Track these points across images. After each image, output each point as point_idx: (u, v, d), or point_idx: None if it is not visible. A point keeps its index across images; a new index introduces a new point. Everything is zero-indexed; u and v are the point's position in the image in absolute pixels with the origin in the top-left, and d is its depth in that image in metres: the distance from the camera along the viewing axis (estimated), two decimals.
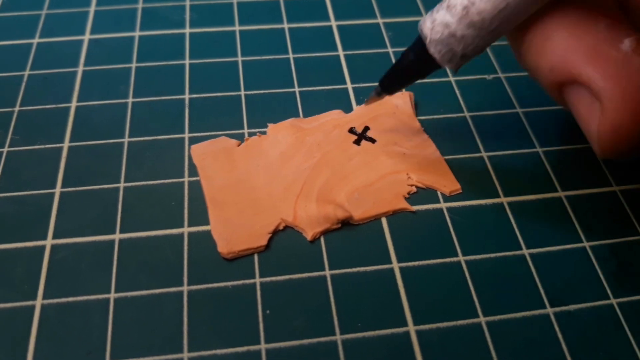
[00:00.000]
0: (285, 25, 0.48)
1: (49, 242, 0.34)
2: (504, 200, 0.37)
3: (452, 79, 0.44)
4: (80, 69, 0.44)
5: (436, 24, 0.31)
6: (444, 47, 0.32)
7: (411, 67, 0.35)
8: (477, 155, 0.39)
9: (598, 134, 0.29)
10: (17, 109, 0.41)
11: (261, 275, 0.33)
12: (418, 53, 0.33)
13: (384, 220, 0.36)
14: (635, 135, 0.28)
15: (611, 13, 0.29)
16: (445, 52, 0.32)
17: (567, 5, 0.29)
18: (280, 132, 0.40)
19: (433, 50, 0.32)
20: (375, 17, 0.49)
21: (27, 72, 0.44)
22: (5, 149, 0.39)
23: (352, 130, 0.40)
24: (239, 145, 0.39)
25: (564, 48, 0.29)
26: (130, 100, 0.42)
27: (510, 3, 0.29)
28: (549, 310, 0.33)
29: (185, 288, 0.33)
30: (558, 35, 0.29)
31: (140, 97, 0.42)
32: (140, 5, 0.49)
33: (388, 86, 0.37)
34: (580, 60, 0.28)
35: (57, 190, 0.37)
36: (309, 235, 0.35)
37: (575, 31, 0.29)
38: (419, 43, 0.33)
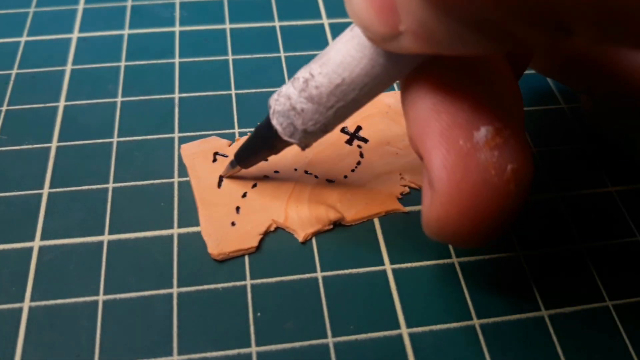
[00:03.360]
0: (277, 23, 0.48)
1: (36, 243, 0.34)
2: None
3: None
4: (68, 67, 0.44)
5: (280, 96, 0.31)
6: (285, 120, 0.31)
7: (261, 140, 0.34)
8: None
9: (424, 220, 0.28)
10: (4, 108, 0.41)
11: (252, 277, 0.33)
12: (266, 125, 0.32)
13: (376, 221, 0.36)
14: (460, 232, 0.26)
15: (485, 88, 0.27)
16: (287, 125, 0.31)
17: (441, 73, 0.27)
18: None
19: (275, 122, 0.31)
20: None
21: (14, 71, 0.43)
22: None
23: (344, 130, 0.40)
24: (230, 145, 0.39)
25: (423, 121, 0.27)
26: (119, 99, 0.42)
27: (345, 79, 0.28)
28: (544, 312, 0.32)
29: (175, 290, 0.33)
30: (422, 104, 0.27)
31: (129, 96, 0.42)
32: (129, 3, 0.49)
33: (242, 159, 0.36)
34: (429, 140, 0.26)
35: (45, 190, 0.36)
36: (300, 237, 0.35)
37: (438, 104, 0.27)
38: (268, 115, 0.32)
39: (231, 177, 0.37)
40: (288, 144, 0.32)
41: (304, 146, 0.32)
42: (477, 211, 0.26)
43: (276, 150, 0.34)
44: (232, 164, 0.36)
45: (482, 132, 0.26)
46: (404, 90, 0.28)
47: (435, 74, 0.27)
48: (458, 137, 0.26)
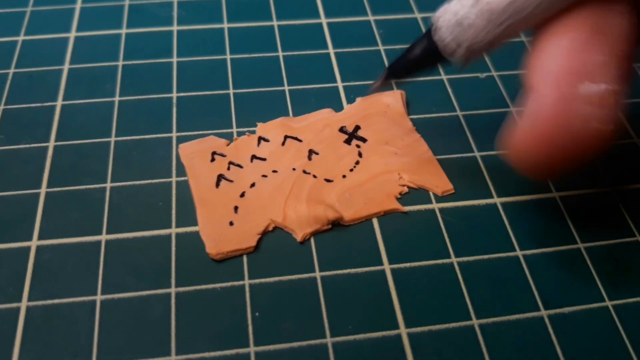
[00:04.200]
0: (275, 23, 0.48)
1: (34, 243, 0.34)
2: (497, 200, 0.37)
3: (444, 77, 0.44)
4: (66, 66, 0.44)
5: (446, 12, 0.31)
6: (449, 36, 0.31)
7: (419, 55, 0.33)
8: (470, 155, 0.39)
9: (513, 140, 0.29)
10: (1, 107, 0.41)
11: (250, 277, 0.33)
12: (426, 41, 0.32)
13: (375, 221, 0.36)
14: (529, 160, 0.28)
15: (619, 49, 0.28)
16: (450, 40, 0.31)
17: (585, 16, 0.28)
18: (269, 132, 0.39)
19: (438, 37, 0.31)
20: (366, 14, 0.49)
21: (12, 70, 0.43)
22: None
23: (342, 130, 0.40)
24: (227, 145, 0.39)
25: (548, 57, 0.28)
26: (116, 98, 0.41)
27: None
28: (543, 312, 0.32)
29: (173, 290, 0.32)
30: (557, 42, 0.28)
31: (127, 95, 0.42)
32: (126, 2, 0.49)
33: (396, 72, 0.35)
34: (548, 76, 0.28)
35: (43, 190, 0.36)
36: (298, 236, 0.35)
37: (573, 46, 0.28)
38: (428, 30, 0.32)
39: (379, 89, 0.37)
40: (446, 61, 0.32)
41: (462, 64, 0.32)
42: (564, 148, 0.27)
43: (430, 66, 0.34)
44: (385, 76, 0.36)
45: (586, 86, 0.27)
46: (541, 30, 0.29)
47: (582, 18, 0.28)
48: (571, 82, 0.27)
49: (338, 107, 0.42)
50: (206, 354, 0.30)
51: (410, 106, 0.42)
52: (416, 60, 0.34)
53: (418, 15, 0.49)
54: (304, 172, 0.37)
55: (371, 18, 0.49)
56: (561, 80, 0.27)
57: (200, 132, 0.40)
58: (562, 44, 0.28)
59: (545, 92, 0.27)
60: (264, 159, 0.38)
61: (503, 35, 0.30)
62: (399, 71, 0.35)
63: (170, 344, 0.31)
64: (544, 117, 0.27)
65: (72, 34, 0.46)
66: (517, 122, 0.29)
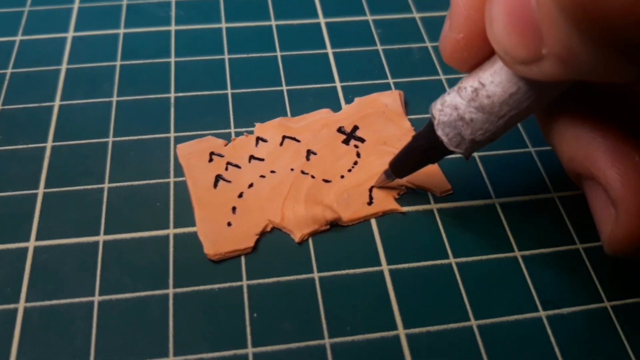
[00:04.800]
0: (273, 23, 0.48)
1: (31, 243, 0.34)
2: (495, 201, 0.37)
3: (442, 77, 0.44)
4: (63, 67, 0.43)
5: (445, 106, 0.30)
6: (451, 131, 0.30)
7: (421, 150, 0.33)
8: None
9: (610, 239, 0.28)
10: None
11: (248, 278, 0.33)
12: (427, 136, 0.32)
13: (373, 222, 0.36)
14: None
15: (634, 121, 0.29)
16: (453, 135, 0.30)
17: (594, 93, 0.29)
18: (267, 132, 0.39)
19: (441, 132, 0.31)
20: (364, 14, 0.49)
21: (9, 70, 0.43)
22: None
23: (341, 130, 0.40)
24: (225, 145, 0.39)
25: (587, 141, 0.28)
26: (114, 99, 0.41)
27: (521, 87, 0.28)
28: (542, 313, 0.32)
29: (170, 290, 0.32)
30: (582, 125, 0.28)
31: (125, 95, 0.42)
32: (124, 2, 0.49)
33: (398, 169, 0.35)
34: (601, 158, 0.28)
35: (40, 190, 0.36)
36: (297, 237, 0.35)
37: (601, 124, 0.28)
38: (429, 125, 0.32)
39: (382, 187, 0.37)
40: (451, 153, 0.32)
41: (468, 155, 0.32)
42: None
43: (434, 160, 0.34)
44: (387, 174, 0.36)
45: None
46: (552, 113, 0.30)
47: (591, 95, 0.29)
48: (632, 153, 0.27)
49: (336, 107, 0.41)
50: (204, 355, 0.30)
51: (408, 106, 0.42)
52: (421, 155, 0.34)
53: (416, 15, 0.49)
54: (302, 172, 0.37)
55: (369, 18, 0.49)
56: (625, 154, 0.27)
57: (198, 133, 0.40)
58: (588, 127, 0.28)
59: (615, 179, 0.27)
60: (262, 160, 0.38)
61: (506, 126, 0.30)
62: (403, 168, 0.35)
63: (168, 345, 0.31)
64: (633, 202, 0.27)
65: (70, 34, 0.46)
66: (605, 221, 0.29)
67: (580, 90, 0.29)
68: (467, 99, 0.29)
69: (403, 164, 0.35)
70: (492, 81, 0.29)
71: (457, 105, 0.30)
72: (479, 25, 0.28)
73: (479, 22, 0.28)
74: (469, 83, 0.29)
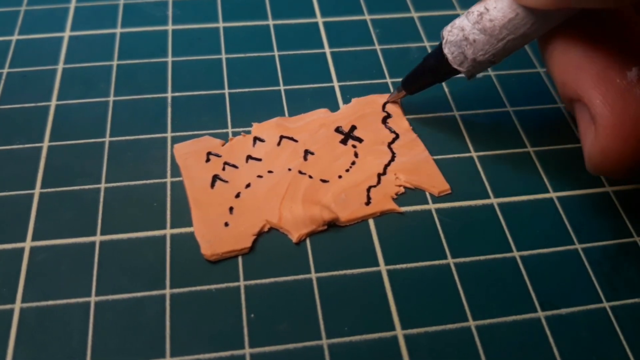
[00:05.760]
0: (270, 22, 0.48)
1: (28, 244, 0.34)
2: (494, 201, 0.37)
3: None
4: (60, 66, 0.43)
5: (454, 27, 0.35)
6: (456, 49, 0.35)
7: (429, 67, 0.38)
8: (467, 155, 0.39)
9: (588, 154, 0.31)
10: None
11: (245, 278, 0.33)
12: (436, 55, 0.36)
13: (371, 222, 0.36)
14: (623, 161, 0.30)
15: (627, 36, 0.31)
16: (457, 54, 0.35)
17: (586, 23, 0.32)
18: (265, 132, 0.39)
19: (447, 51, 0.35)
20: (362, 13, 0.49)
21: (5, 70, 0.43)
22: None
23: (338, 130, 0.40)
24: (223, 145, 0.38)
25: (576, 66, 0.31)
26: (111, 98, 0.41)
27: (519, 14, 0.32)
28: (540, 314, 0.32)
29: (167, 291, 0.32)
30: (574, 52, 0.31)
31: (122, 95, 0.42)
32: (121, 2, 0.49)
33: (408, 85, 0.39)
34: (587, 81, 0.30)
35: (37, 190, 0.36)
36: (294, 237, 0.35)
37: (589, 51, 0.31)
38: (439, 46, 0.36)
39: (394, 101, 0.41)
40: (455, 72, 0.36)
41: (469, 75, 0.36)
42: (638, 138, 0.29)
43: (442, 78, 0.39)
44: (398, 89, 0.40)
45: (633, 72, 0.30)
46: (549, 41, 0.33)
47: (583, 25, 0.32)
48: (614, 77, 0.30)
49: (334, 107, 0.41)
50: (201, 356, 0.30)
51: (406, 106, 0.42)
52: (429, 71, 0.38)
53: (415, 15, 0.49)
54: (300, 172, 0.37)
55: (367, 17, 0.49)
56: (609, 77, 0.30)
57: (196, 132, 0.39)
58: (578, 54, 0.31)
59: (597, 98, 0.30)
60: (260, 160, 0.38)
61: (505, 50, 0.34)
62: (413, 82, 0.39)
63: (165, 346, 0.30)
64: (610, 118, 0.30)
65: (67, 34, 0.46)
66: (587, 137, 0.31)
67: (573, 18, 0.32)
68: (473, 21, 0.34)
69: (413, 80, 0.39)
70: (495, 7, 0.33)
71: (463, 26, 0.34)
72: None
73: None
74: (476, 8, 0.34)
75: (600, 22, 0.32)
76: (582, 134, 0.31)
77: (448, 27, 0.35)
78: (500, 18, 0.32)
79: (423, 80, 0.39)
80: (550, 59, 0.33)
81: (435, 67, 0.37)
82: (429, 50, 0.45)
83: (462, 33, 0.34)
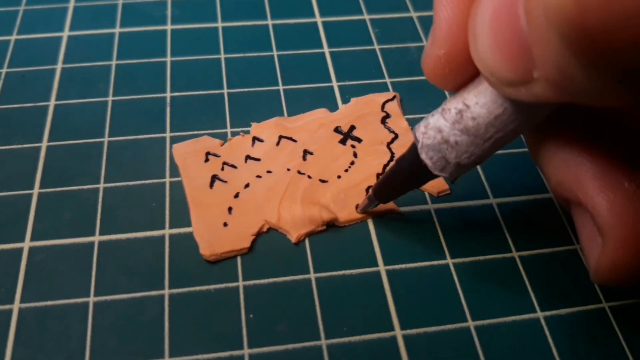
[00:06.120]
0: (269, 22, 0.48)
1: (26, 244, 0.34)
2: (493, 201, 0.37)
3: None
4: (59, 66, 0.43)
5: (429, 129, 0.29)
6: (436, 154, 0.29)
7: (404, 175, 0.32)
8: None
9: (596, 267, 0.27)
10: None
11: (244, 278, 0.33)
12: (411, 159, 0.31)
13: (370, 222, 0.36)
14: (634, 274, 0.26)
15: (630, 128, 0.27)
16: (438, 159, 0.29)
17: (583, 113, 0.28)
18: (264, 132, 0.39)
19: (424, 156, 0.29)
20: (361, 13, 0.49)
21: (4, 70, 0.43)
22: None
23: (337, 130, 0.40)
24: (222, 145, 0.38)
25: (574, 164, 0.27)
26: (110, 98, 0.41)
27: (507, 109, 0.26)
28: (539, 314, 0.32)
29: (166, 291, 0.32)
30: (570, 148, 0.27)
31: (121, 95, 0.42)
32: (120, 1, 0.49)
33: (381, 195, 0.34)
34: (588, 183, 0.26)
35: (35, 191, 0.36)
36: (293, 237, 0.35)
37: (589, 149, 0.27)
38: (412, 149, 0.30)
39: (363, 210, 0.36)
40: (435, 177, 0.31)
41: (453, 179, 0.30)
42: None
43: (418, 184, 0.34)
44: (370, 200, 0.35)
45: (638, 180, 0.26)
46: (541, 138, 0.28)
47: (580, 115, 0.27)
48: (621, 179, 0.26)
49: (333, 107, 0.41)
50: (200, 356, 0.30)
51: (405, 106, 0.42)
52: (405, 178, 0.33)
53: (414, 14, 0.49)
54: (299, 172, 0.37)
55: (366, 17, 0.49)
56: (614, 179, 0.26)
57: (194, 132, 0.39)
58: (576, 151, 0.27)
59: (603, 205, 0.26)
60: (259, 160, 0.38)
61: (492, 149, 0.28)
62: (386, 193, 0.34)
63: (164, 346, 0.30)
64: (620, 230, 0.26)
65: (65, 33, 0.46)
66: (592, 248, 0.28)
67: (569, 112, 0.28)
68: (452, 121, 0.28)
69: (387, 189, 0.34)
70: (477, 102, 0.27)
71: (441, 127, 0.28)
72: (462, 42, 0.26)
73: (462, 38, 0.26)
74: (453, 105, 0.28)
75: (600, 115, 0.28)
76: (585, 242, 0.28)
77: (421, 128, 0.29)
78: (484, 115, 0.27)
79: (399, 189, 0.34)
80: (542, 155, 0.29)
81: (411, 173, 0.32)
82: None
83: (440, 135, 0.28)
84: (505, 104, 0.26)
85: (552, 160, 0.28)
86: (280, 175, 0.37)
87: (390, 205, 0.36)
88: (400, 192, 0.34)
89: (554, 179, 0.28)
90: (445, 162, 0.29)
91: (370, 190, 0.35)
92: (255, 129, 0.40)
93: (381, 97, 0.42)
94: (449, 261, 0.34)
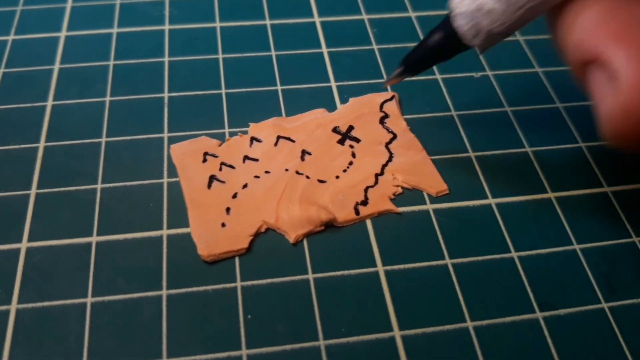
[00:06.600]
0: (268, 22, 0.48)
1: (24, 244, 0.34)
2: (492, 201, 0.36)
3: (439, 77, 0.44)
4: (56, 66, 0.43)
5: None
6: (470, 21, 0.31)
7: (436, 43, 0.34)
8: (465, 155, 0.39)
9: (607, 115, 0.28)
10: None
11: (242, 279, 0.33)
12: (444, 28, 0.33)
13: (368, 222, 0.36)
14: None
15: None
16: (471, 26, 0.31)
17: None
18: (262, 132, 0.39)
19: (458, 23, 0.31)
20: (359, 13, 0.49)
21: (1, 70, 0.43)
22: None
23: (336, 130, 0.40)
24: (219, 145, 0.38)
25: (594, 24, 0.28)
26: (107, 98, 0.41)
27: None
28: (538, 314, 0.32)
29: (164, 292, 0.32)
30: (591, 11, 0.28)
31: (118, 95, 0.42)
32: (118, 1, 0.49)
33: (412, 65, 0.36)
34: (607, 37, 0.28)
35: (33, 191, 0.36)
36: (291, 238, 0.34)
37: (609, 9, 0.28)
38: (446, 19, 0.32)
39: (392, 83, 0.38)
40: (466, 47, 0.33)
41: (482, 49, 0.32)
42: None
43: (450, 56, 0.35)
44: (400, 72, 0.36)
45: None
46: (564, 5, 0.30)
47: None
48: (637, 34, 0.27)
49: (331, 107, 0.41)
50: (198, 357, 0.30)
51: (404, 106, 0.42)
52: (435, 48, 0.34)
53: (412, 14, 0.49)
54: (297, 172, 0.37)
55: (365, 17, 0.49)
56: (633, 32, 0.28)
57: (192, 133, 0.39)
58: (597, 10, 0.28)
59: (619, 55, 0.27)
60: (257, 160, 0.38)
61: (522, 19, 0.30)
62: (417, 63, 0.36)
63: (162, 347, 0.30)
64: (633, 74, 0.27)
65: (63, 33, 0.46)
66: (605, 98, 0.28)
67: None
68: None
69: (417, 59, 0.35)
70: None
71: None
72: None
73: None
74: None
75: None
76: (598, 97, 0.29)
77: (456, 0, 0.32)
78: None
79: (428, 61, 0.36)
80: (563, 23, 0.30)
81: (442, 44, 0.34)
82: None
83: (474, 3, 0.30)
84: None
85: (575, 22, 0.29)
86: (278, 176, 0.37)
87: (389, 205, 0.36)
88: (429, 64, 0.36)
89: (575, 38, 0.29)
90: (477, 30, 0.31)
91: (401, 61, 0.36)
92: (253, 129, 0.40)
93: (380, 97, 0.42)
94: (448, 261, 0.34)
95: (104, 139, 0.39)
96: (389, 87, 0.42)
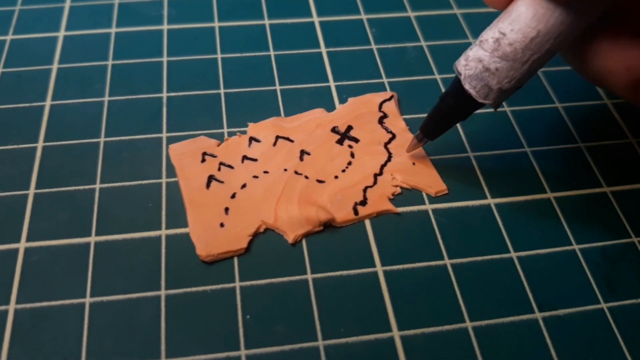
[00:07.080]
0: (266, 22, 0.48)
1: (22, 244, 0.34)
2: (491, 201, 0.36)
3: (437, 77, 0.44)
4: (55, 66, 0.43)
5: (469, 60, 0.32)
6: (479, 83, 0.32)
7: (450, 108, 0.35)
8: (464, 155, 0.39)
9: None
10: None
11: (241, 279, 0.33)
12: (455, 93, 0.34)
13: (367, 222, 0.35)
14: None
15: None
16: (481, 87, 0.32)
17: (618, 19, 0.31)
18: (261, 132, 0.39)
19: (468, 86, 0.33)
20: (358, 12, 0.49)
21: (0, 70, 0.43)
22: None
23: (335, 130, 0.39)
24: (218, 145, 0.38)
25: (637, 47, 0.30)
26: (106, 98, 0.41)
27: (540, 31, 0.30)
28: (538, 315, 0.32)
29: (163, 292, 0.32)
30: (625, 38, 0.30)
31: (117, 95, 0.41)
32: (116, 1, 0.49)
33: (430, 131, 0.37)
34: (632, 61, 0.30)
35: (31, 191, 0.36)
36: (290, 238, 0.34)
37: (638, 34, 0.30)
38: (456, 82, 0.34)
39: (415, 150, 0.38)
40: (480, 106, 0.34)
41: (496, 106, 0.34)
42: None
43: (464, 117, 0.36)
44: (419, 139, 0.37)
45: None
46: (587, 44, 0.31)
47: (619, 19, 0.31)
48: None
49: (330, 107, 0.41)
50: (196, 357, 0.30)
51: (403, 106, 0.42)
52: (451, 113, 0.35)
53: (411, 14, 0.49)
54: (296, 172, 0.37)
55: (364, 17, 0.49)
56: None
57: (191, 133, 0.39)
58: (629, 31, 0.30)
59: None
60: (255, 160, 0.38)
61: (531, 70, 0.32)
62: (434, 129, 0.36)
63: (160, 347, 0.30)
64: None
65: (61, 33, 0.46)
66: None
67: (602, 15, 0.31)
68: (490, 49, 0.32)
69: (434, 125, 0.36)
70: (512, 29, 0.31)
71: (480, 57, 0.32)
72: None
73: None
74: (490, 35, 0.32)
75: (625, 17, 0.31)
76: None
77: (462, 62, 0.33)
78: (520, 40, 0.31)
79: (445, 123, 0.36)
80: (598, 56, 0.31)
81: (456, 106, 0.35)
82: (426, 50, 0.45)
83: (480, 64, 0.32)
84: (539, 27, 0.30)
85: (612, 54, 0.31)
86: (277, 176, 0.37)
87: (388, 205, 0.36)
88: (446, 127, 0.36)
89: (622, 67, 0.30)
90: (489, 90, 0.33)
91: (418, 130, 0.37)
92: (252, 129, 0.39)
93: (379, 96, 0.42)
94: (447, 261, 0.34)
95: (102, 139, 0.39)
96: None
